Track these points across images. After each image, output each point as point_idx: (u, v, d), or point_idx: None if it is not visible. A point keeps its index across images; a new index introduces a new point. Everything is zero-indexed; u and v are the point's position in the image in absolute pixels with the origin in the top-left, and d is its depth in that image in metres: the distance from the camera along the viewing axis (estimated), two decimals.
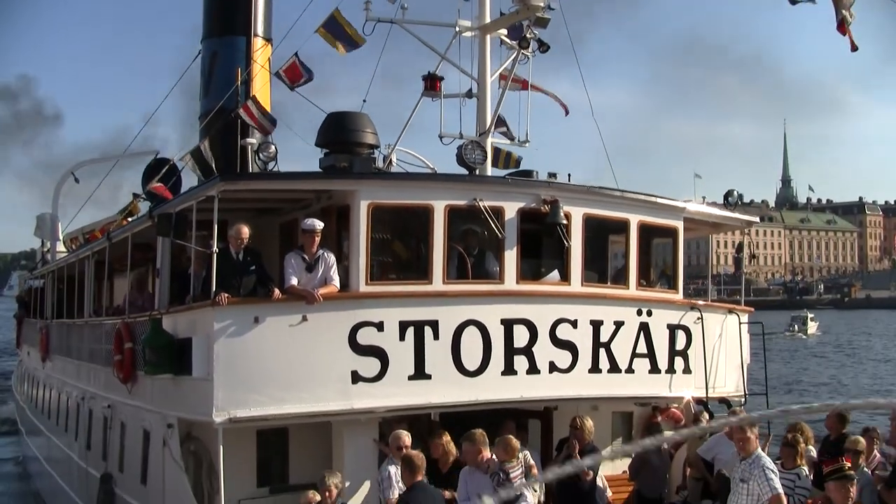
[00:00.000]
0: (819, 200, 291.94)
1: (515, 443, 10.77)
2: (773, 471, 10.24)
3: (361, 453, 11.74)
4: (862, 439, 11.00)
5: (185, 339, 11.55)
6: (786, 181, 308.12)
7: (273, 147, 12.49)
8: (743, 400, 14.40)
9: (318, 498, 10.90)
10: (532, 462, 12.33)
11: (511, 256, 12.39)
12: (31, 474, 24.93)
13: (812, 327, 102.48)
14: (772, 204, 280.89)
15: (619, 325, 12.92)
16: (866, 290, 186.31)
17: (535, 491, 12.45)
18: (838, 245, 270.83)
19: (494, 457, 10.79)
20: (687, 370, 13.62)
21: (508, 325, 12.05)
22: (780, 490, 9.93)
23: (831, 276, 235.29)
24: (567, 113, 16.31)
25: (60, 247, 27.43)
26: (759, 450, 10.43)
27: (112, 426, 15.05)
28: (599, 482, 13.14)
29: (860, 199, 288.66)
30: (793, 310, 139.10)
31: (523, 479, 10.75)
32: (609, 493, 13.36)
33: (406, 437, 11.15)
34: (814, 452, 12.46)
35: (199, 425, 11.64)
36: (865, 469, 10.50)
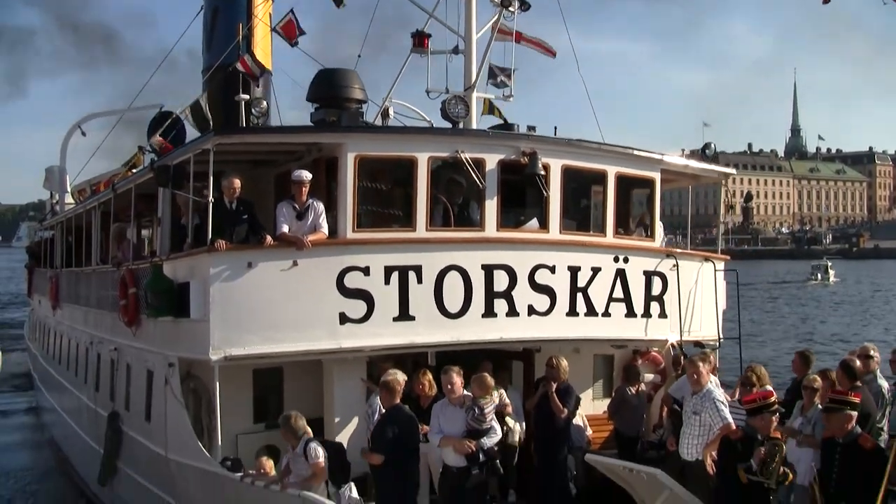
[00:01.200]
0: (829, 150, 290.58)
1: (490, 380, 11.33)
2: (723, 402, 10.96)
3: (350, 390, 12.46)
4: (818, 378, 11.64)
5: (184, 283, 12.20)
6: (795, 130, 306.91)
7: (265, 103, 13.12)
8: (717, 343, 14.97)
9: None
10: (507, 401, 13.08)
11: (492, 205, 12.98)
12: (45, 418, 25.76)
13: (831, 275, 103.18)
14: (781, 153, 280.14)
15: (596, 270, 13.48)
16: (875, 240, 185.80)
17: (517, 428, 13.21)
18: (847, 195, 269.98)
19: (469, 393, 11.42)
20: (663, 314, 14.18)
21: (489, 270, 12.66)
22: (731, 420, 10.62)
23: (840, 225, 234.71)
24: (553, 55, 16.74)
25: (69, 198, 28.01)
26: (710, 384, 11.12)
27: (118, 368, 15.78)
28: (580, 421, 13.84)
29: (870, 148, 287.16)
30: (801, 259, 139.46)
31: (494, 415, 11.36)
32: (589, 432, 14.07)
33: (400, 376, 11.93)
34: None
35: (197, 364, 12.33)
36: (819, 406, 11.16)
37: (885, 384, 11.58)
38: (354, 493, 11.18)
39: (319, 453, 10.54)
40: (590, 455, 11.78)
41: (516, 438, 13.26)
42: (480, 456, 10.99)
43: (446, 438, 11.10)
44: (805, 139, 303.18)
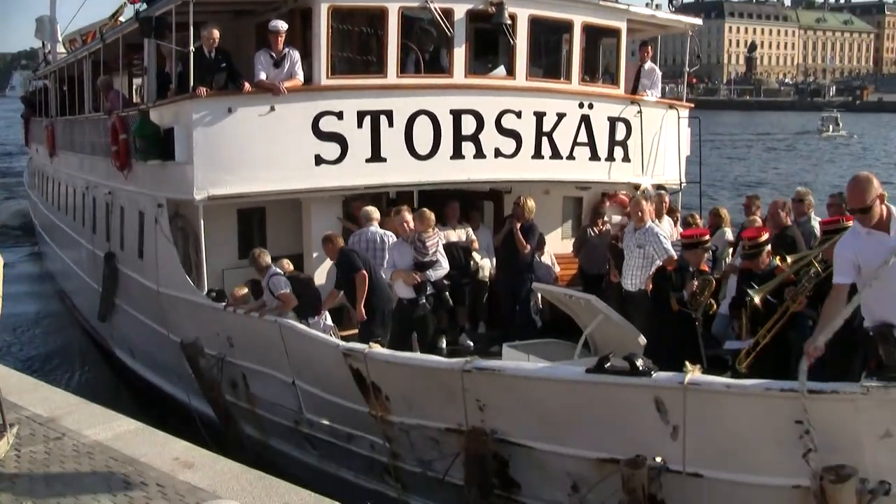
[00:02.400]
0: (837, 0, 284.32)
1: (430, 215, 12.10)
2: (665, 237, 11.80)
3: (327, 228, 13.11)
4: (758, 219, 12.43)
5: (169, 128, 12.87)
6: None
7: None
8: (679, 187, 15.71)
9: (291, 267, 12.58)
10: (473, 238, 13.94)
11: (460, 53, 13.51)
12: (47, 262, 26.76)
13: (841, 127, 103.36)
14: (787, 3, 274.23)
15: (561, 116, 14.07)
16: (879, 93, 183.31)
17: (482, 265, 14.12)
18: (854, 46, 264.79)
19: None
20: (626, 159, 14.83)
21: (457, 114, 13.26)
22: (673, 252, 11.47)
23: (844, 78, 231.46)
24: None
25: (60, 48, 28.26)
26: (651, 221, 11.96)
27: (113, 210, 16.57)
28: (548, 259, 14.67)
29: None
30: (802, 111, 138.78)
31: (440, 248, 12.17)
32: (557, 269, 14.88)
33: (374, 212, 12.83)
34: (729, 235, 13.93)
35: (184, 204, 13.10)
36: None
37: (818, 225, 12.32)
38: (329, 321, 12.20)
39: (281, 284, 11.46)
40: (536, 284, 12.62)
41: (486, 274, 14.16)
42: (427, 287, 11.87)
43: (396, 272, 11.97)
44: None
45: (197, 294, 12.66)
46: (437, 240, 12.22)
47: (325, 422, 10.92)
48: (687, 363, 7.13)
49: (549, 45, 14.94)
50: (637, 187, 14.83)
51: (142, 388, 16.16)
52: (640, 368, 7.23)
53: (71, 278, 21.92)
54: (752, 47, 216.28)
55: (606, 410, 7.62)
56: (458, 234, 13.80)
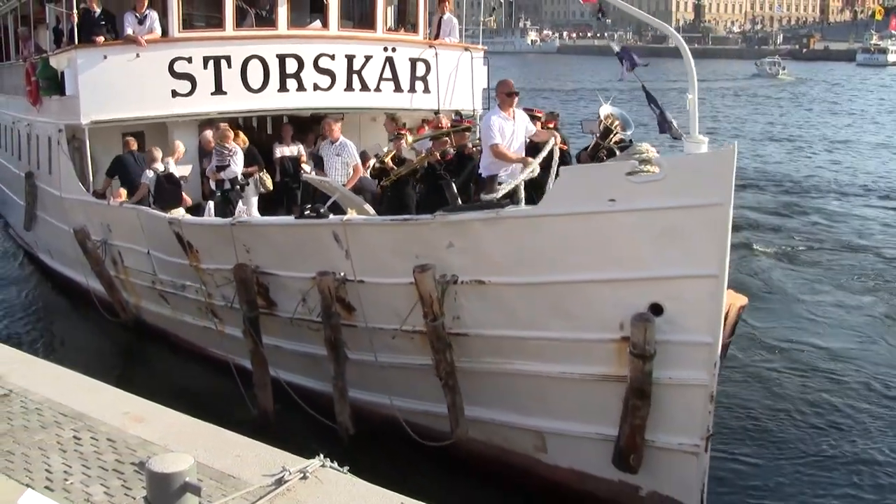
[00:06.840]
0: None
1: (228, 131, 15.93)
2: (354, 147, 15.51)
3: (187, 145, 17.09)
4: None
5: (63, 71, 16.93)
6: None
7: None
8: (472, 113, 19.17)
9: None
10: (303, 153, 18.00)
11: (283, 11, 17.27)
12: None
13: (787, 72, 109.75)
14: None
15: (368, 58, 17.78)
16: (825, 41, 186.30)
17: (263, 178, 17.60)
18: None
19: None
20: (426, 91, 18.53)
21: (282, 58, 17.03)
22: (359, 161, 15.35)
23: (791, 26, 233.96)
24: None
25: None
26: (342, 137, 15.46)
27: (31, 138, 20.61)
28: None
29: None
30: (749, 60, 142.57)
31: (233, 157, 15.88)
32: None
33: (209, 133, 16.93)
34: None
35: (77, 129, 16.92)
36: None
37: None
38: (182, 212, 16.29)
39: (146, 176, 15.66)
40: (306, 175, 16.52)
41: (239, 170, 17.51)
42: (226, 183, 15.83)
43: (209, 172, 16.10)
44: None
45: (86, 195, 16.80)
46: (232, 148, 15.96)
47: (168, 278, 15.18)
48: (348, 209, 11.41)
49: (359, 2, 18.85)
50: (436, 112, 18.64)
51: (61, 283, 20.54)
52: (322, 213, 11.52)
53: (6, 200, 25.91)
54: None
55: (311, 244, 11.73)
56: (290, 150, 17.79)
